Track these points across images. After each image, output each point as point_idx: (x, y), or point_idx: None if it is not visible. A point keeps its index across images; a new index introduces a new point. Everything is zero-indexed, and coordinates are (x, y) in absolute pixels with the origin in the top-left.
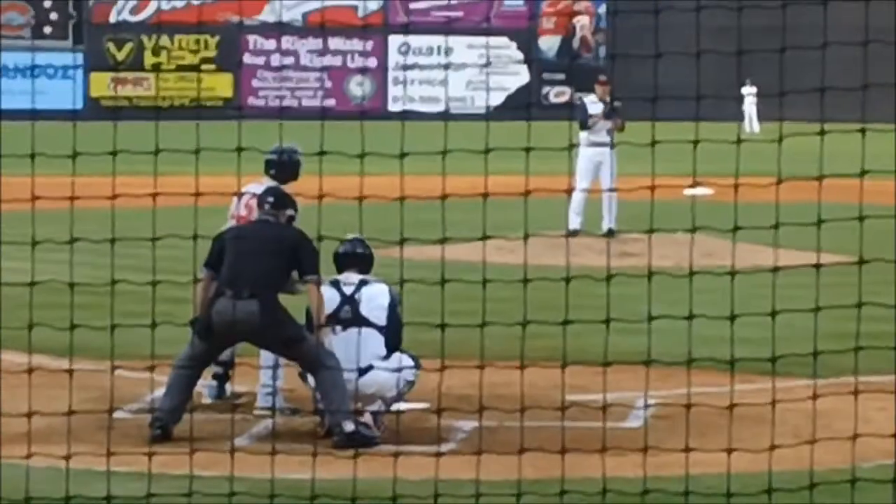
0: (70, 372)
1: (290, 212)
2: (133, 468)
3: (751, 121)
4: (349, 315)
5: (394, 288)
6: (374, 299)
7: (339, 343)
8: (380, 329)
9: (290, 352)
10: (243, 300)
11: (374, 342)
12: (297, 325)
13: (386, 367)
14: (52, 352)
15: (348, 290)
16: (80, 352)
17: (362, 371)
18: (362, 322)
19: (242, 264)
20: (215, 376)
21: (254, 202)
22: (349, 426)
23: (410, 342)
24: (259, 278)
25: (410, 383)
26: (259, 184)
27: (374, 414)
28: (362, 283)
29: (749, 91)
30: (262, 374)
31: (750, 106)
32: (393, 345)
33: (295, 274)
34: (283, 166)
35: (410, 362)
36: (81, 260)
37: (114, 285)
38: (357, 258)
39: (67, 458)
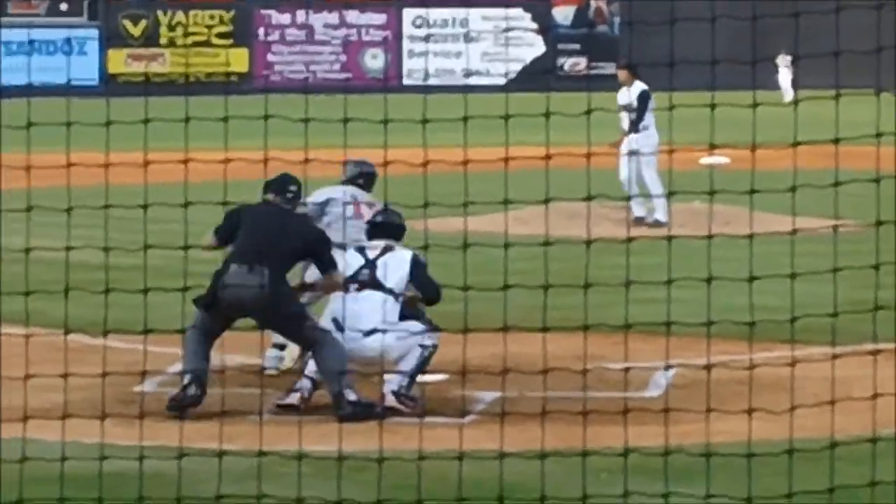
0: (105, 333)
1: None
2: (158, 441)
3: (786, 92)
4: (366, 278)
5: (420, 253)
6: (394, 266)
7: (351, 303)
8: (395, 296)
9: (290, 329)
10: (253, 273)
11: (385, 306)
12: (300, 303)
13: (395, 331)
14: (69, 329)
15: (371, 255)
16: (98, 327)
17: (367, 333)
18: (377, 286)
19: (258, 241)
20: (276, 345)
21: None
22: (351, 395)
23: (431, 313)
24: (272, 256)
25: (426, 349)
26: (342, 189)
27: (396, 394)
28: (387, 248)
29: (784, 62)
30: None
31: (785, 77)
32: (426, 303)
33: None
34: (368, 177)
35: (420, 327)
36: (108, 238)
37: (146, 251)
38: (387, 227)
39: (102, 417)
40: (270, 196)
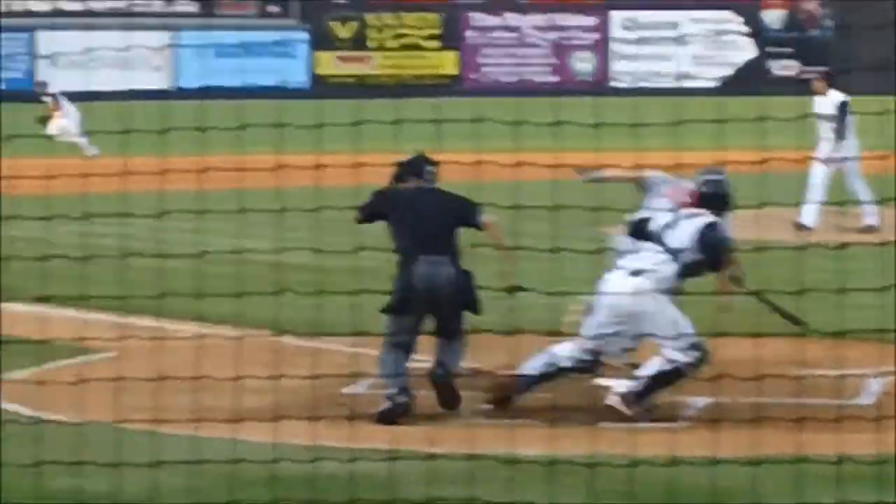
0: (315, 335)
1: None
2: (369, 443)
3: None
4: (656, 232)
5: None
6: (687, 229)
7: (634, 245)
8: (672, 254)
9: (453, 316)
10: (439, 264)
11: (654, 257)
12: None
13: (660, 298)
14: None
15: (679, 217)
16: (308, 328)
17: (633, 273)
18: (656, 240)
19: (427, 229)
20: None
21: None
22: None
23: None
24: (445, 240)
25: (671, 363)
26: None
27: (623, 396)
28: (694, 215)
29: None
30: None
31: None
32: (704, 262)
33: None
34: (717, 197)
35: (690, 330)
36: (319, 240)
37: (357, 253)
38: (710, 197)
39: (313, 419)
40: (412, 180)
